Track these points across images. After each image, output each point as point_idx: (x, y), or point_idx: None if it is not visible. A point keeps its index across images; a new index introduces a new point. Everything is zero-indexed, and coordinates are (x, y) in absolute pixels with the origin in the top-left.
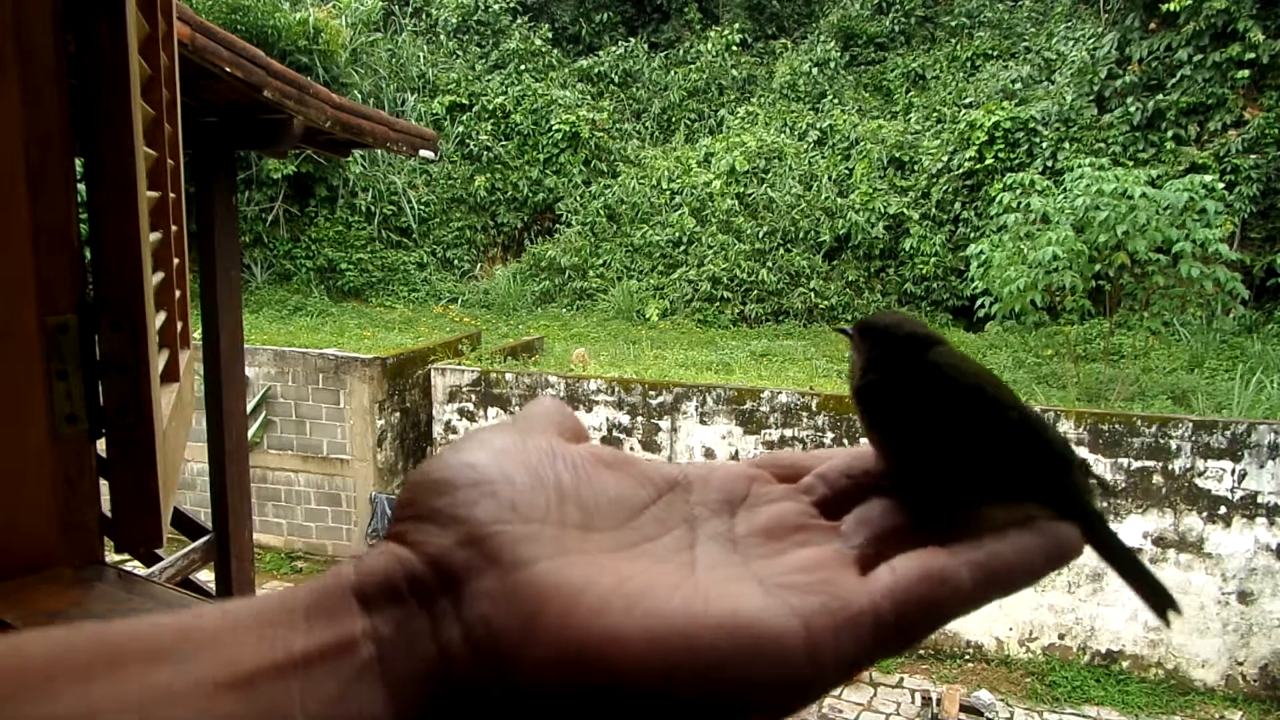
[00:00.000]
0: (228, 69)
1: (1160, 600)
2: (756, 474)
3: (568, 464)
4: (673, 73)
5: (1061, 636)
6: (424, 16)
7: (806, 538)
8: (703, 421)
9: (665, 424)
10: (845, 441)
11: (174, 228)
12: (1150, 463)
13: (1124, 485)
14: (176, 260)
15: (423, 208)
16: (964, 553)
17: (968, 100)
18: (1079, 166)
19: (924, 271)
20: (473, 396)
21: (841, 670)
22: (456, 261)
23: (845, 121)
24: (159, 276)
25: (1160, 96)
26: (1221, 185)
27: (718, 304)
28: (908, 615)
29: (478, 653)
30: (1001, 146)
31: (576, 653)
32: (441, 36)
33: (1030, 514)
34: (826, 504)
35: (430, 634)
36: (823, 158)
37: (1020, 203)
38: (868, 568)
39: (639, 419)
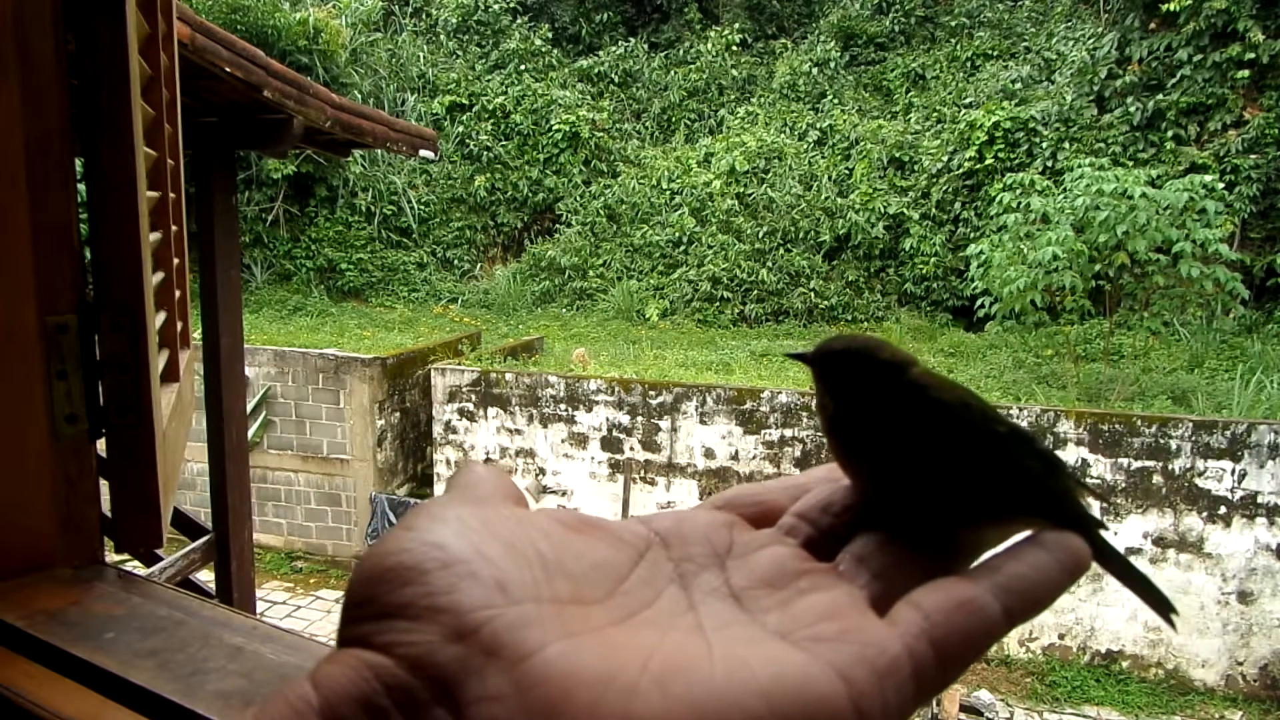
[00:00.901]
0: (228, 69)
1: (1161, 603)
2: (732, 520)
3: (539, 532)
4: (673, 73)
5: (1061, 636)
6: (424, 16)
7: (811, 583)
8: (703, 421)
9: (665, 424)
10: None
11: (174, 228)
12: (1150, 463)
13: (1124, 485)
14: (176, 260)
15: (423, 208)
16: (984, 579)
17: (968, 100)
18: (1079, 166)
19: (924, 271)
20: (473, 397)
21: None
22: (456, 261)
23: (845, 121)
24: (159, 276)
25: (1160, 96)
26: (1221, 185)
27: (718, 304)
28: (945, 653)
29: None
30: (1001, 146)
31: None
32: (441, 36)
33: (1028, 529)
34: (813, 543)
35: None
36: (823, 158)
37: (1020, 203)
38: (881, 608)
39: (639, 419)
